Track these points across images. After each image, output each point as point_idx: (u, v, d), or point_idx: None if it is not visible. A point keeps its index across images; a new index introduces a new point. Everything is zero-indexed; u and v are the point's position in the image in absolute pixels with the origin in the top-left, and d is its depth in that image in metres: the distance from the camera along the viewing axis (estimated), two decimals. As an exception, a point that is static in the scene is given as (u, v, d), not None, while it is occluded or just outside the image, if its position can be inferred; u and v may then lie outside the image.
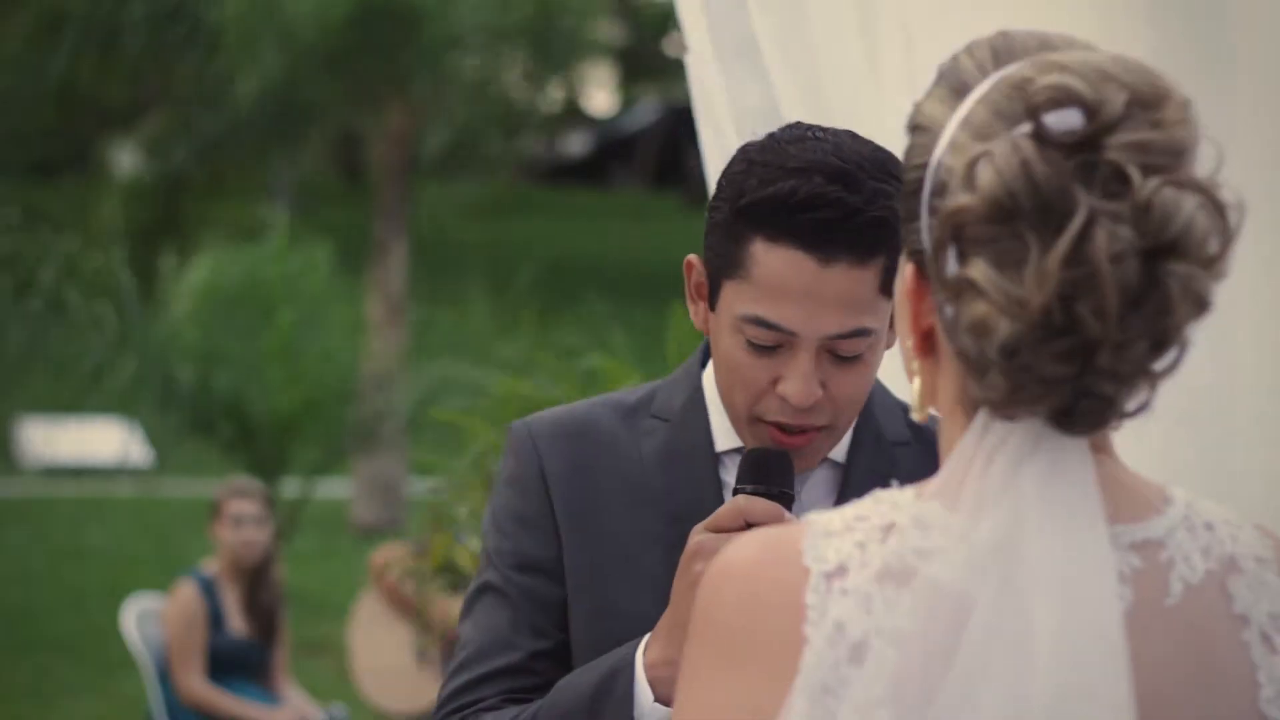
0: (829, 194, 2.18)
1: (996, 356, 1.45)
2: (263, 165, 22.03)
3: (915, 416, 1.61)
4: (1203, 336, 3.02)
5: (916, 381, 1.60)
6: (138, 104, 20.54)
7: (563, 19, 19.57)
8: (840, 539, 1.51)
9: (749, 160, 2.26)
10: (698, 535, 2.21)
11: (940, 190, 1.51)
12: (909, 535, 1.50)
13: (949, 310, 1.49)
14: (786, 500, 2.23)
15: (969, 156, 1.48)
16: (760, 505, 2.19)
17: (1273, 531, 1.62)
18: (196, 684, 8.40)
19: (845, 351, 2.24)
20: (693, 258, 2.33)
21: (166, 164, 20.60)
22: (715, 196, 2.29)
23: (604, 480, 2.37)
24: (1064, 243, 1.43)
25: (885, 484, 2.32)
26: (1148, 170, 1.45)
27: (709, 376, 2.39)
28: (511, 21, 18.99)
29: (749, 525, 2.17)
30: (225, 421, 13.27)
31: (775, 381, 2.24)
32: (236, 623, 8.56)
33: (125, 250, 13.61)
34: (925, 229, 1.54)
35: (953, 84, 1.56)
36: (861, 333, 2.23)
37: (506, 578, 2.36)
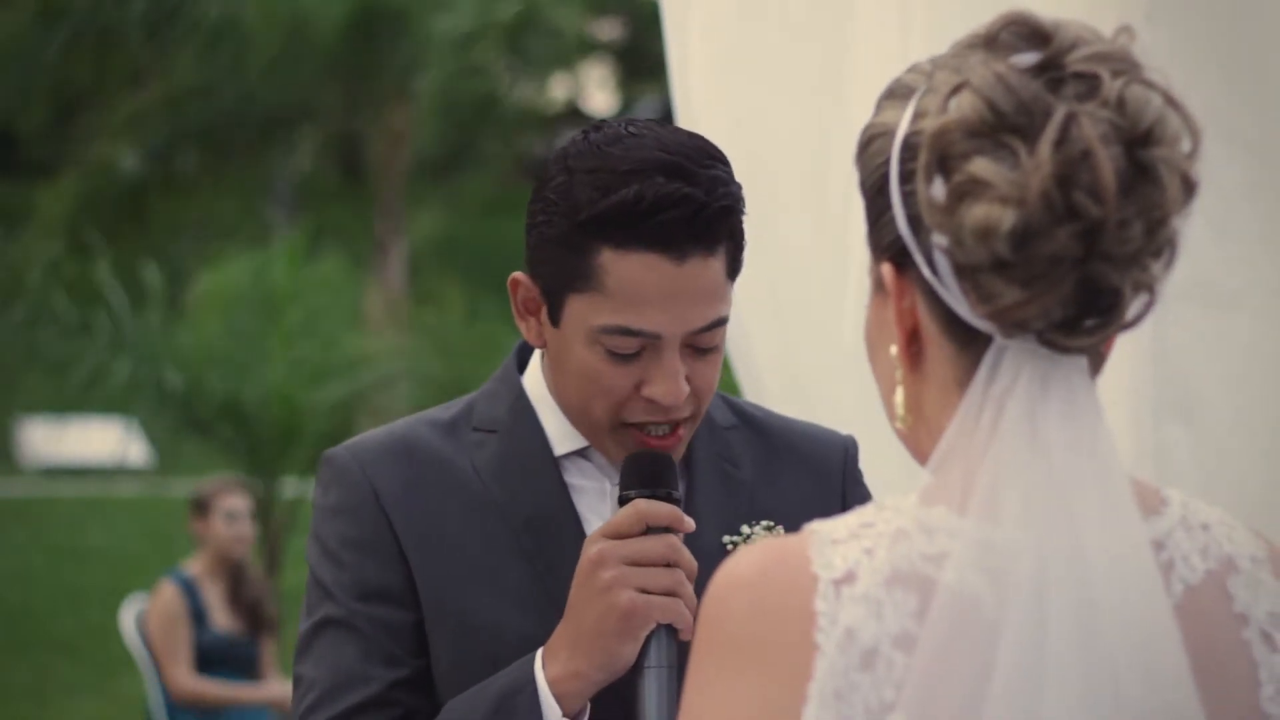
0: (674, 192, 2.13)
1: (1006, 249, 1.47)
2: (261, 163, 22.01)
3: (898, 425, 1.62)
4: (1204, 336, 3.02)
5: (900, 391, 1.60)
6: (131, 97, 20.50)
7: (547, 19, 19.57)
8: (847, 546, 1.51)
9: (569, 169, 2.19)
10: (596, 544, 2.16)
11: (912, 156, 1.54)
12: (916, 540, 1.50)
13: (944, 239, 1.50)
14: (675, 503, 2.20)
15: (941, 96, 1.52)
16: (659, 508, 2.17)
17: (1262, 533, 1.63)
18: (183, 678, 8.39)
19: (705, 344, 2.22)
20: (519, 275, 2.26)
21: (159, 159, 20.56)
22: (540, 211, 2.21)
23: (441, 497, 2.29)
24: (1052, 130, 1.47)
25: (725, 466, 2.34)
26: (1113, 73, 1.51)
27: (530, 382, 2.35)
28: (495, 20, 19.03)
29: (649, 529, 2.16)
30: (224, 422, 13.27)
31: (639, 385, 2.21)
32: (221, 619, 8.55)
33: (112, 251, 13.59)
34: (899, 208, 1.55)
35: (899, 94, 1.59)
36: (720, 322, 2.21)
37: (350, 610, 2.26)
